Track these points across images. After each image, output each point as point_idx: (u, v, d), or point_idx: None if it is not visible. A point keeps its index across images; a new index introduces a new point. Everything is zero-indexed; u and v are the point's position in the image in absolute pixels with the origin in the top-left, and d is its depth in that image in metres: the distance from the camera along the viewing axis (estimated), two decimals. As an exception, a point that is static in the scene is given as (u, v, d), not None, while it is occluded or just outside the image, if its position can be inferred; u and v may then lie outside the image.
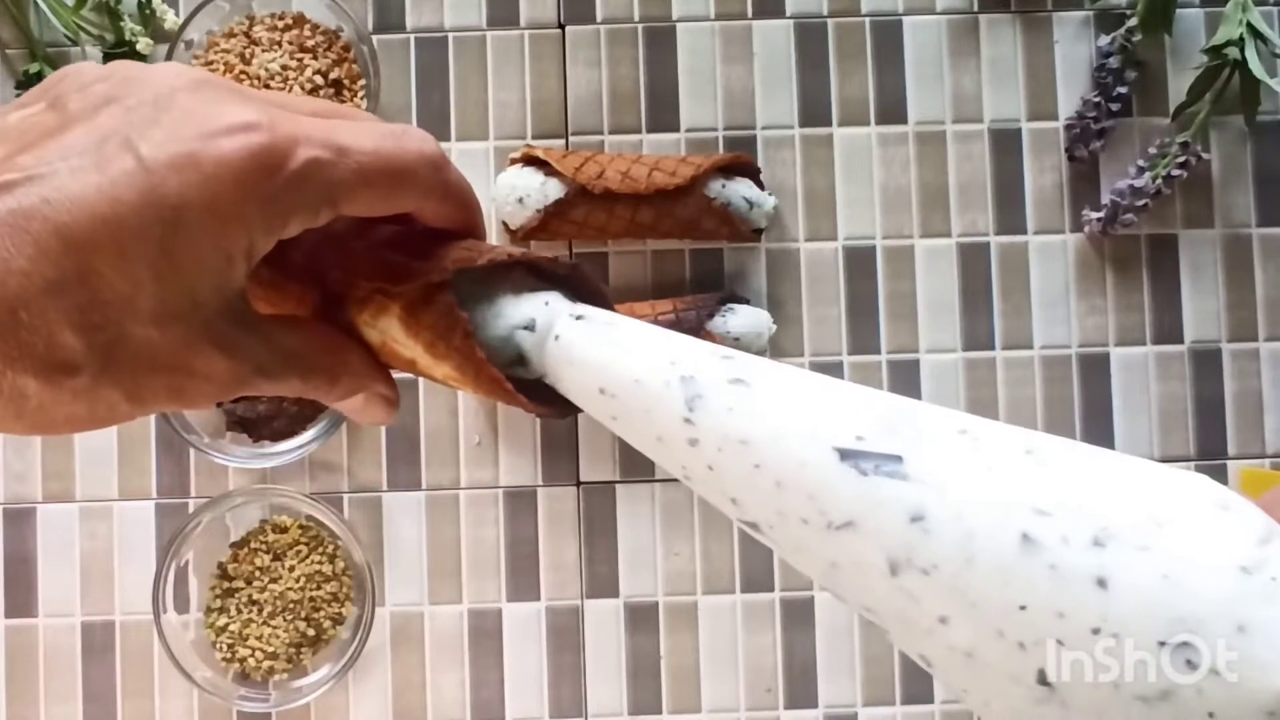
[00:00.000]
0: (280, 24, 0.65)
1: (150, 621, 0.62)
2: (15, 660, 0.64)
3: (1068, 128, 0.66)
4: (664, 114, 0.66)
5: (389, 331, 0.32)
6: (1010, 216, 0.66)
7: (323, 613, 0.63)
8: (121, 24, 0.65)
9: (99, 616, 0.64)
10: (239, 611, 0.63)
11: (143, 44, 0.65)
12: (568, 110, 0.66)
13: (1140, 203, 0.64)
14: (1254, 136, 0.66)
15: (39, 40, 0.65)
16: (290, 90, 0.63)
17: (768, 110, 0.66)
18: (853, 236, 0.66)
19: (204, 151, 0.26)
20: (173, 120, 0.27)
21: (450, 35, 0.66)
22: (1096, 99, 0.65)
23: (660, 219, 0.63)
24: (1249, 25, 0.62)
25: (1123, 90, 0.65)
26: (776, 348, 0.65)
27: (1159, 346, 0.66)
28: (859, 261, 0.66)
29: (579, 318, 0.32)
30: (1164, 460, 0.64)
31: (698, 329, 0.61)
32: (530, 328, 0.31)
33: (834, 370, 0.65)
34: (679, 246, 0.66)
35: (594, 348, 0.31)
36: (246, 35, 0.65)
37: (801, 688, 0.64)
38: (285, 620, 0.63)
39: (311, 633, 0.63)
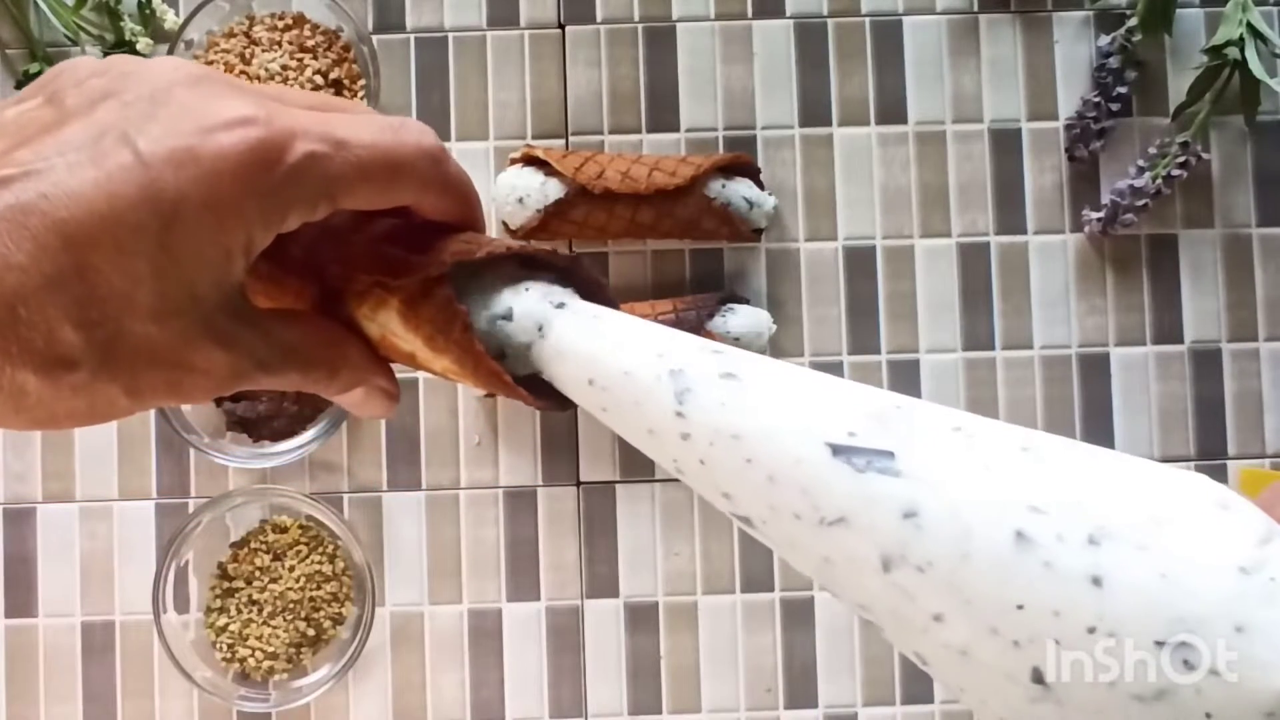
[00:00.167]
0: (280, 24, 0.65)
1: (150, 621, 0.62)
2: (15, 660, 0.64)
3: (1068, 128, 0.66)
4: (664, 114, 0.66)
5: (388, 325, 0.32)
6: (1010, 216, 0.66)
7: (323, 613, 0.63)
8: (121, 24, 0.65)
9: (99, 616, 0.64)
10: (239, 611, 0.63)
11: (143, 44, 0.65)
12: (568, 110, 0.66)
13: (1140, 203, 0.64)
14: (1254, 136, 0.66)
15: (39, 40, 0.65)
16: (290, 90, 0.63)
17: (768, 110, 0.66)
18: (853, 236, 0.66)
19: (202, 146, 0.26)
20: (170, 115, 0.27)
21: (450, 35, 0.66)
22: (1096, 99, 0.65)
23: (660, 219, 0.63)
24: (1249, 25, 0.62)
25: (1123, 90, 0.65)
26: (776, 348, 0.65)
27: (1159, 346, 0.66)
28: (859, 261, 0.66)
29: (560, 305, 0.31)
30: (1164, 460, 0.64)
31: (698, 329, 0.61)
32: (522, 320, 0.31)
33: (834, 370, 0.65)
34: (679, 246, 0.66)
35: (582, 339, 0.31)
36: (246, 35, 0.65)
37: (801, 688, 0.64)
38: (285, 620, 0.63)
39: (311, 633, 0.63)
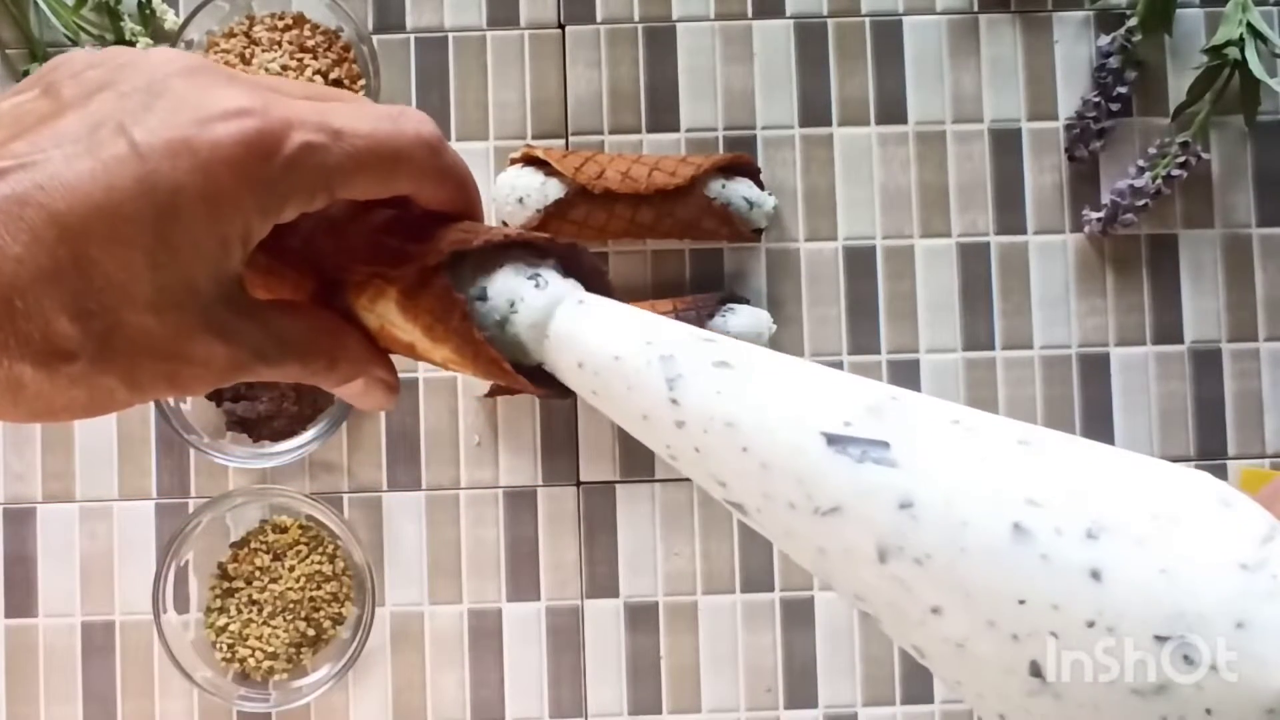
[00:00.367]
0: (280, 24, 0.65)
1: (150, 621, 0.62)
2: (15, 660, 0.64)
3: (1068, 128, 0.66)
4: (664, 114, 0.66)
5: (387, 315, 0.32)
6: (1010, 216, 0.66)
7: (323, 613, 0.63)
8: (121, 24, 0.65)
9: (99, 616, 0.64)
10: (239, 611, 0.63)
11: (142, 44, 0.65)
12: (568, 110, 0.66)
13: (1140, 203, 0.64)
14: (1254, 136, 0.66)
15: (39, 40, 0.65)
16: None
17: (768, 110, 0.66)
18: (853, 236, 0.66)
19: (198, 137, 0.26)
20: (166, 106, 0.27)
21: (450, 35, 0.66)
22: (1096, 99, 0.65)
23: (660, 219, 0.63)
24: (1249, 25, 0.62)
25: (1123, 90, 0.65)
26: (776, 348, 0.65)
27: (1159, 346, 0.66)
28: (859, 261, 0.66)
29: (556, 292, 0.31)
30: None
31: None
32: (519, 307, 0.31)
33: (834, 370, 0.65)
34: (679, 246, 0.66)
35: (574, 324, 0.31)
36: (246, 35, 0.65)
37: (801, 688, 0.64)
38: (285, 620, 0.63)
39: (311, 633, 0.63)
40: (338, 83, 0.64)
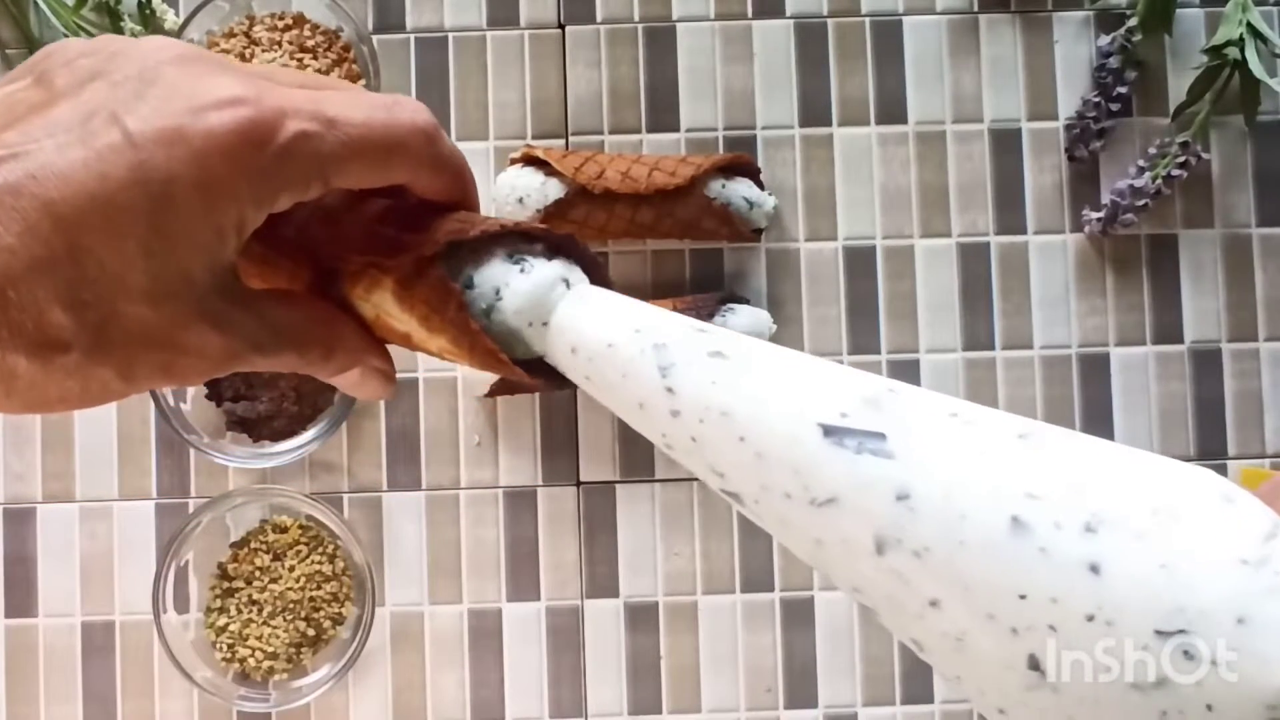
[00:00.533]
0: (280, 24, 0.65)
1: (150, 621, 0.62)
2: (15, 660, 0.64)
3: (1068, 128, 0.66)
4: (664, 114, 0.66)
5: (383, 305, 0.32)
6: (1010, 216, 0.66)
7: (323, 613, 0.63)
8: (121, 24, 0.65)
9: (99, 616, 0.64)
10: (239, 611, 0.63)
11: (143, 44, 0.65)
12: (568, 110, 0.66)
13: (1140, 203, 0.64)
14: (1254, 136, 0.66)
15: (39, 40, 0.65)
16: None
17: (768, 110, 0.66)
18: (853, 236, 0.66)
19: (192, 126, 0.26)
20: (159, 95, 0.26)
21: (450, 35, 0.66)
22: (1096, 99, 0.65)
23: (660, 219, 0.63)
24: (1249, 25, 0.62)
25: (1123, 90, 0.65)
26: (776, 348, 0.65)
27: (1159, 346, 0.66)
28: (859, 261, 0.66)
29: (523, 271, 0.31)
30: (1164, 460, 0.64)
31: (698, 329, 0.61)
32: (500, 294, 0.31)
33: (834, 370, 0.65)
34: (679, 246, 0.66)
35: (568, 311, 0.31)
36: (246, 35, 0.65)
37: (801, 688, 0.64)
38: (285, 620, 0.63)
39: (311, 633, 0.63)
40: (338, 83, 0.64)
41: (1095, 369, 0.66)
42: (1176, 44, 0.66)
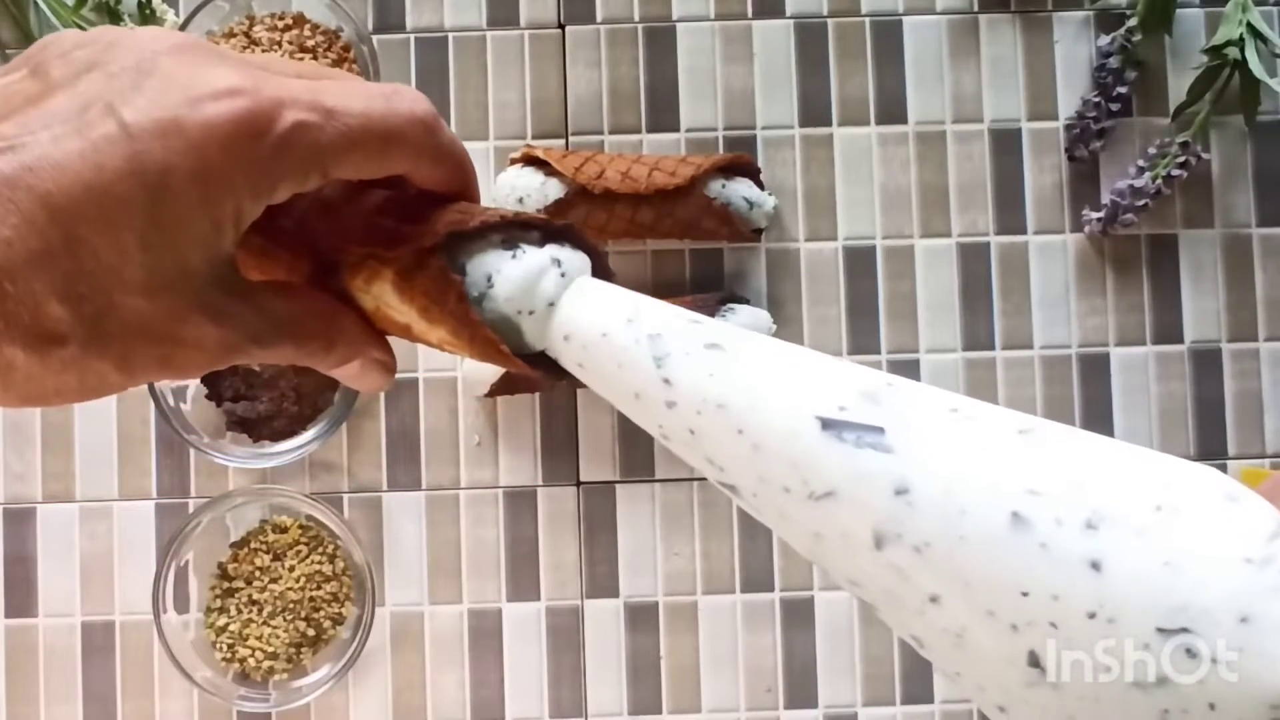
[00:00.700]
0: (280, 24, 0.65)
1: (150, 621, 0.62)
2: (15, 660, 0.64)
3: (1068, 128, 0.66)
4: (664, 114, 0.66)
5: (383, 297, 0.31)
6: (1010, 216, 0.66)
7: (323, 613, 0.63)
8: (122, 24, 0.65)
9: (99, 616, 0.64)
10: (239, 611, 0.63)
11: (143, 44, 0.65)
12: (568, 110, 0.66)
13: (1140, 203, 0.64)
14: (1254, 136, 0.66)
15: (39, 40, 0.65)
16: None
17: (768, 110, 0.66)
18: (853, 236, 0.66)
19: (188, 117, 0.26)
20: (156, 85, 0.26)
21: (450, 35, 0.66)
22: (1096, 99, 0.65)
23: (660, 219, 0.63)
24: (1249, 25, 0.62)
25: (1123, 90, 0.65)
26: (776, 348, 0.65)
27: (1159, 346, 0.66)
28: (859, 261, 0.66)
29: (515, 258, 0.31)
30: (1164, 460, 0.64)
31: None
32: (491, 281, 0.31)
33: (834, 370, 0.65)
34: (679, 246, 0.66)
35: (562, 298, 0.31)
36: (246, 35, 0.65)
37: (801, 688, 0.64)
38: (285, 620, 0.63)
39: (311, 633, 0.63)
40: (338, 83, 0.64)
41: (1095, 369, 0.66)
42: (1176, 44, 0.66)
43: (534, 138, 0.66)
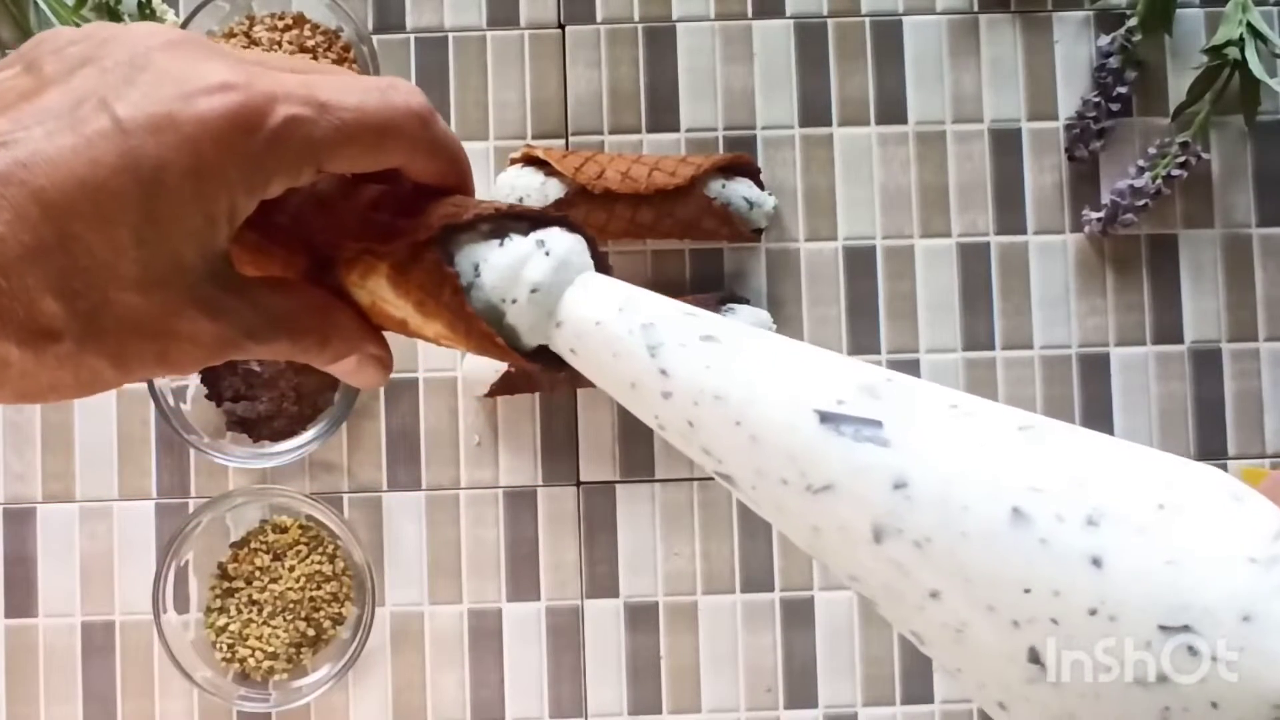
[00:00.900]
0: (280, 24, 0.65)
1: (150, 621, 0.62)
2: (15, 660, 0.64)
3: (1068, 128, 0.66)
4: (664, 114, 0.66)
5: (378, 292, 0.31)
6: (1010, 216, 0.66)
7: (323, 613, 0.63)
8: (121, 24, 0.65)
9: (99, 616, 0.64)
10: (239, 611, 0.63)
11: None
12: (568, 110, 0.66)
13: (1140, 203, 0.64)
14: (1254, 136, 0.66)
15: (39, 40, 0.65)
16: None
17: (768, 110, 0.66)
18: (853, 236, 0.66)
19: (181, 112, 0.26)
20: (149, 81, 0.26)
21: (450, 35, 0.66)
22: (1096, 99, 0.65)
23: (660, 219, 0.63)
24: (1249, 25, 0.62)
25: (1123, 90, 0.65)
26: (776, 348, 0.65)
27: (1159, 346, 0.66)
28: (859, 261, 0.66)
29: (501, 245, 0.31)
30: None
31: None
32: (479, 270, 0.31)
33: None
34: (679, 246, 0.66)
35: (555, 287, 0.31)
36: (246, 35, 0.65)
37: (801, 688, 0.64)
38: (285, 620, 0.63)
39: (311, 633, 0.63)
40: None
41: (1095, 369, 0.66)
42: (1176, 44, 0.66)
43: (534, 138, 0.66)
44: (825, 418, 0.28)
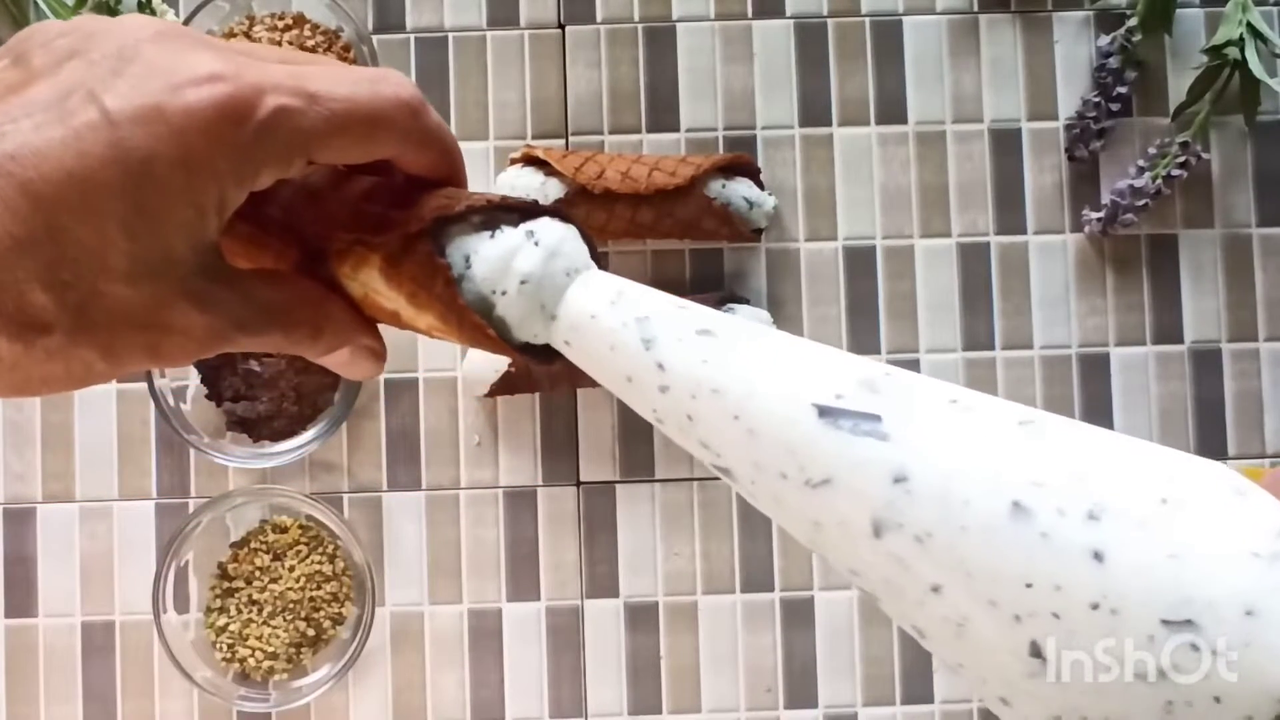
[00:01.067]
0: (280, 24, 0.65)
1: (150, 621, 0.62)
2: (15, 660, 0.64)
3: (1068, 128, 0.66)
4: (664, 114, 0.66)
5: (370, 283, 0.31)
6: (1010, 216, 0.66)
7: (323, 613, 0.63)
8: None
9: (99, 616, 0.64)
10: (239, 611, 0.63)
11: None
12: (568, 110, 0.66)
13: (1140, 203, 0.64)
14: (1254, 136, 0.66)
15: (39, 40, 0.65)
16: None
17: (768, 110, 0.66)
18: (853, 236, 0.66)
19: (169, 103, 0.26)
20: (137, 72, 0.26)
21: (450, 35, 0.66)
22: (1096, 99, 0.65)
23: (660, 219, 0.63)
24: (1249, 25, 0.62)
25: (1123, 90, 0.65)
26: (776, 348, 0.65)
27: (1159, 346, 0.66)
28: (859, 261, 0.66)
29: (493, 237, 0.31)
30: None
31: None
32: (469, 261, 0.31)
33: (834, 370, 0.65)
34: (679, 246, 0.66)
35: (540, 273, 0.31)
36: (246, 35, 0.65)
37: (801, 688, 0.64)
38: (285, 620, 0.63)
39: (311, 633, 0.63)
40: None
41: (1095, 369, 0.66)
42: (1176, 44, 0.66)
43: (534, 138, 0.66)
44: (824, 412, 0.28)
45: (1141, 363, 0.66)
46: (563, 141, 0.66)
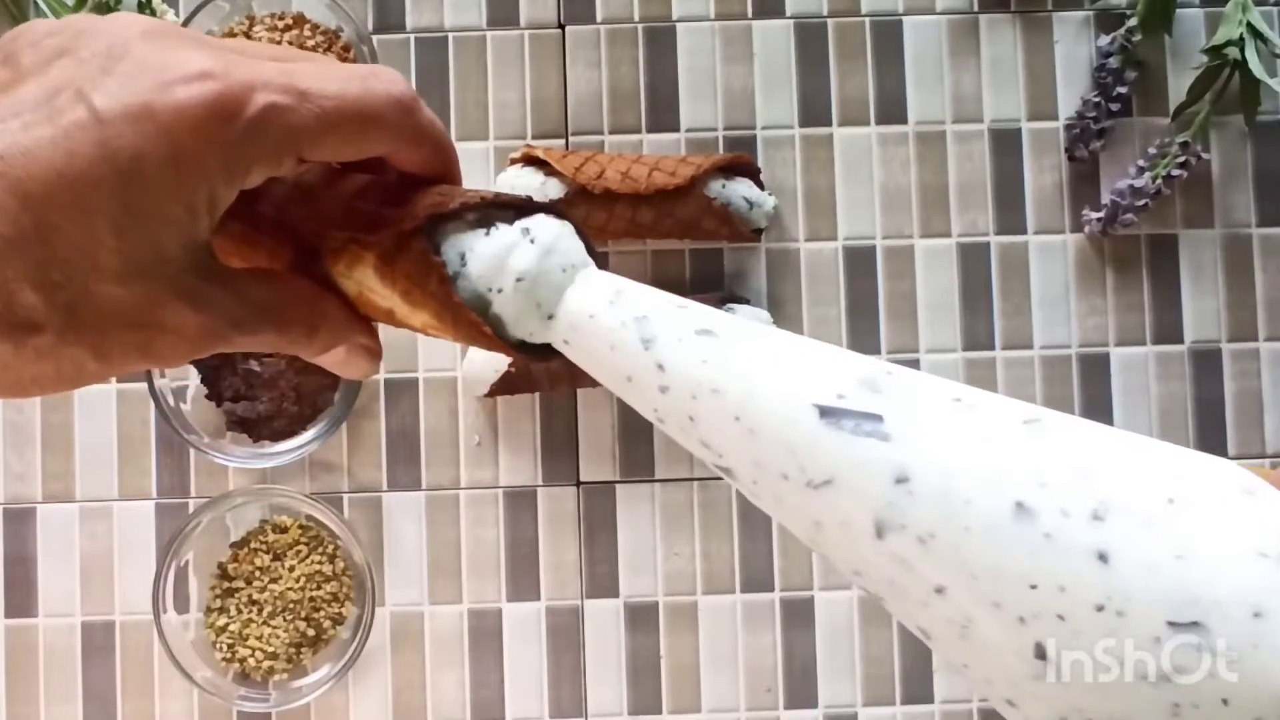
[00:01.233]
0: (280, 24, 0.65)
1: (150, 621, 0.62)
2: (15, 660, 0.64)
3: (1068, 128, 0.66)
4: (664, 114, 0.66)
5: (365, 281, 0.31)
6: (1010, 216, 0.66)
7: (323, 613, 0.63)
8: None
9: (99, 616, 0.64)
10: (239, 611, 0.63)
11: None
12: (568, 110, 0.66)
13: (1140, 203, 0.64)
14: (1254, 136, 0.66)
15: (39, 40, 0.65)
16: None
17: (768, 110, 0.66)
18: (853, 236, 0.66)
19: (159, 101, 0.26)
20: (126, 70, 0.26)
21: (450, 35, 0.66)
22: (1096, 99, 0.65)
23: (660, 219, 0.63)
24: (1249, 25, 0.62)
25: (1123, 90, 0.65)
26: (776, 348, 0.65)
27: (1159, 346, 0.66)
28: (859, 261, 0.66)
29: (488, 234, 0.31)
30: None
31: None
32: (464, 259, 0.31)
33: (834, 370, 0.65)
34: (679, 246, 0.66)
35: (536, 271, 0.31)
36: (246, 35, 0.65)
37: (801, 688, 0.64)
38: (285, 620, 0.63)
39: (311, 633, 0.63)
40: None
41: (1095, 369, 0.66)
42: (1176, 44, 0.66)
43: (534, 138, 0.66)
44: (825, 412, 0.28)
45: (1141, 363, 0.66)
46: (563, 141, 0.66)
